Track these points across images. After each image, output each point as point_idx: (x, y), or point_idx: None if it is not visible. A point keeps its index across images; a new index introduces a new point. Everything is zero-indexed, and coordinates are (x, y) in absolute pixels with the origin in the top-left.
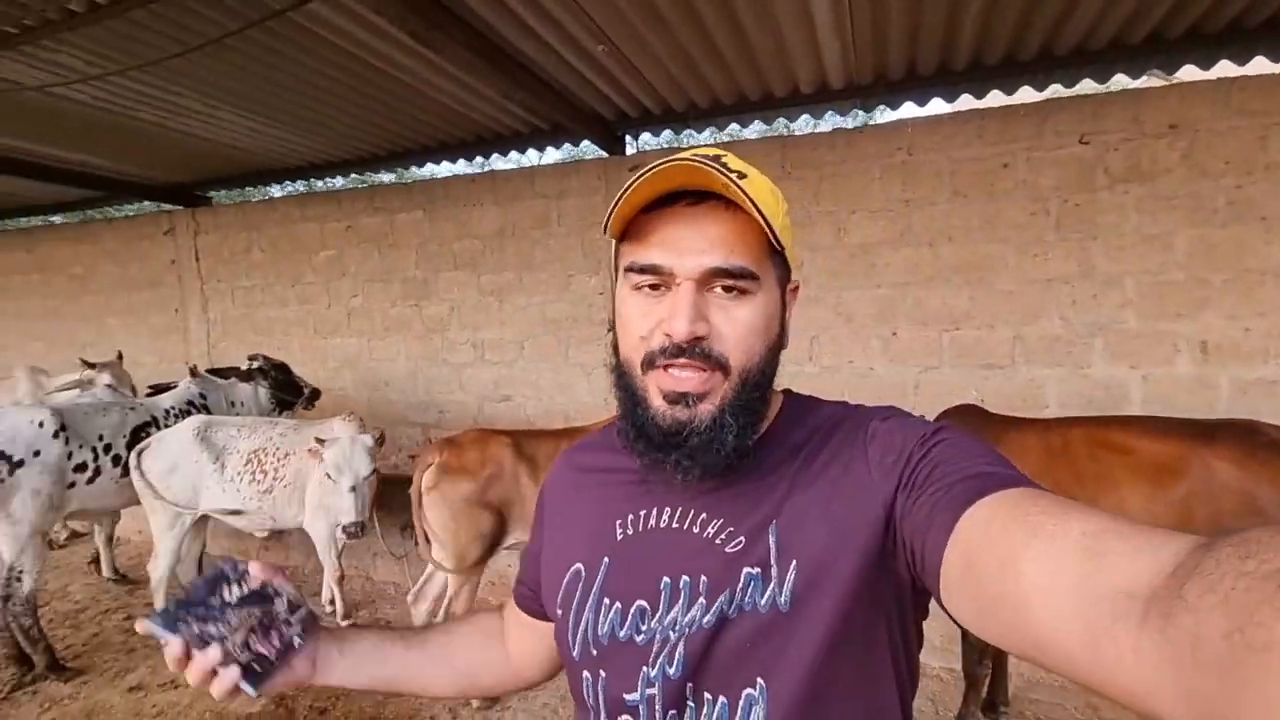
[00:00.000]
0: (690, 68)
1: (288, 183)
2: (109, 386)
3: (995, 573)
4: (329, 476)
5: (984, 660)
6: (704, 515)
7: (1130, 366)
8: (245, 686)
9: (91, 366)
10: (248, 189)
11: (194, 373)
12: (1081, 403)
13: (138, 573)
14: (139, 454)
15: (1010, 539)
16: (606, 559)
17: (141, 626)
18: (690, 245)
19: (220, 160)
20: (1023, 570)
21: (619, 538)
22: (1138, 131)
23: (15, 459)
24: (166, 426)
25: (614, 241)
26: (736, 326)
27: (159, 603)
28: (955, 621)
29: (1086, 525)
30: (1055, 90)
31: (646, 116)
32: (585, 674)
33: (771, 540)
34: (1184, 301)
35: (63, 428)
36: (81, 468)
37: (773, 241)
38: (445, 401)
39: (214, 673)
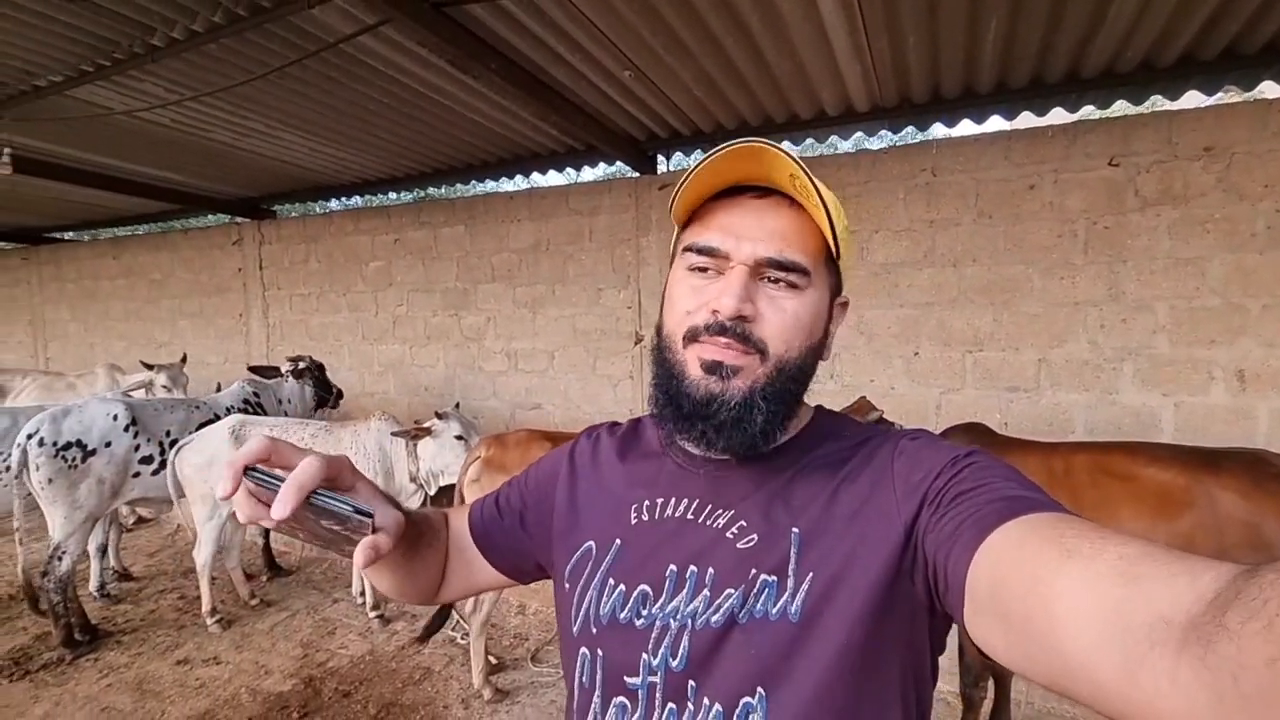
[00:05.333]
0: (714, 91)
1: (343, 197)
2: (164, 388)
3: (1025, 594)
4: (459, 439)
5: (981, 683)
6: (719, 510)
7: (1162, 394)
8: None
9: (151, 368)
10: (308, 203)
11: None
12: (1111, 429)
13: (187, 561)
14: (179, 450)
15: (1043, 560)
16: (618, 541)
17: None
18: (748, 233)
19: (283, 176)
20: (1055, 592)
21: (633, 522)
22: (1170, 154)
23: (89, 448)
24: None
25: (676, 227)
26: (782, 316)
27: (205, 588)
28: (979, 650)
29: (1124, 550)
30: (1088, 112)
31: (676, 137)
32: (583, 650)
33: (793, 549)
34: (1219, 328)
35: (134, 422)
36: (148, 460)
37: (830, 247)
38: (479, 408)
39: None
